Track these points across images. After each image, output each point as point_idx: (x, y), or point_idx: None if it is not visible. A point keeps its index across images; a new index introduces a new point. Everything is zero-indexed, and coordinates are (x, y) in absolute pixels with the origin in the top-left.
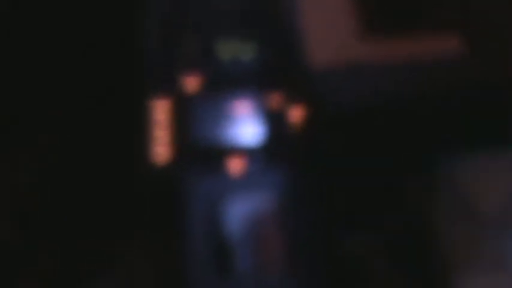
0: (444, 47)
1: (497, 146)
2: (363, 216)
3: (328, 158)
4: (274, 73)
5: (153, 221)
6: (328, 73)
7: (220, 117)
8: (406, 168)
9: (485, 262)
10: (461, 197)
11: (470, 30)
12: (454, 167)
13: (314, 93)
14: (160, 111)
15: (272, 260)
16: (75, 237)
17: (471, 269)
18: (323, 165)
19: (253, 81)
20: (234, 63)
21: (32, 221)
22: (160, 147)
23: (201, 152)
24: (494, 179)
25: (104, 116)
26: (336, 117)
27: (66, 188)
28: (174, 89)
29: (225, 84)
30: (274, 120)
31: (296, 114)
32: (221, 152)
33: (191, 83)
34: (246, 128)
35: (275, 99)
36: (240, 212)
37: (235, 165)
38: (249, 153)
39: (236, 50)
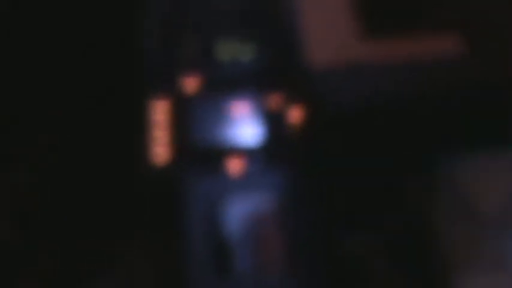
0: (444, 47)
1: (497, 146)
2: (363, 216)
3: (328, 158)
4: (273, 74)
5: (153, 221)
6: (328, 73)
7: (219, 118)
8: (406, 168)
9: (485, 262)
10: (461, 197)
11: (470, 30)
12: (454, 167)
13: (314, 93)
14: (160, 111)
15: (271, 260)
16: (75, 237)
17: (471, 269)
18: (322, 166)
19: (252, 82)
20: (234, 64)
21: (32, 221)
22: (160, 148)
23: (201, 153)
24: (494, 179)
25: (104, 117)
26: (336, 117)
27: (66, 188)
28: (174, 89)
29: (225, 84)
30: (273, 121)
31: (295, 114)
32: (220, 152)
33: (191, 83)
34: (246, 128)
35: (274, 100)
36: (240, 212)
37: (235, 166)
38: (248, 153)
39: (235, 51)
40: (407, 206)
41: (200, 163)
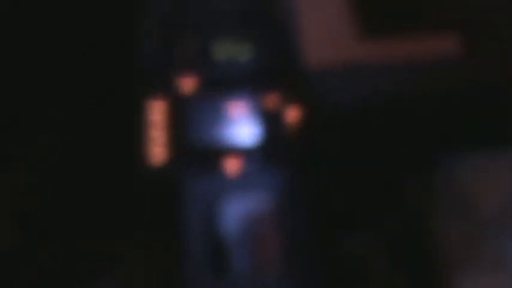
0: (443, 47)
1: (497, 146)
2: (363, 216)
3: (325, 158)
4: (271, 74)
5: (150, 221)
6: (326, 73)
7: (216, 118)
8: (405, 168)
9: (485, 262)
10: (461, 197)
11: (470, 30)
12: (454, 167)
13: (311, 93)
14: (157, 111)
15: (269, 260)
16: (75, 237)
17: (471, 269)
18: (320, 166)
19: (249, 82)
20: (231, 64)
21: (32, 221)
22: (157, 148)
23: (198, 153)
24: (494, 179)
25: (101, 117)
26: (333, 117)
27: (66, 188)
28: (171, 89)
29: (222, 84)
30: (271, 121)
31: (293, 114)
32: (218, 152)
33: (188, 83)
34: (243, 128)
35: (272, 100)
36: (237, 212)
37: (232, 166)
38: (245, 153)
39: (233, 51)
40: (407, 206)
41: (197, 163)
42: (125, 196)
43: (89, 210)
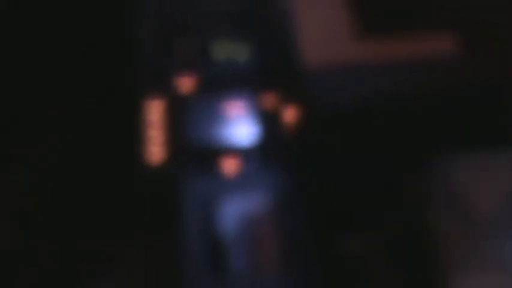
0: (442, 47)
1: (497, 146)
2: (363, 216)
3: (323, 158)
4: (269, 73)
5: (148, 220)
6: (324, 73)
7: (214, 118)
8: (405, 168)
9: (485, 262)
10: (461, 197)
11: (469, 30)
12: (454, 167)
13: (309, 93)
14: (155, 111)
15: (267, 259)
16: (75, 237)
17: (470, 269)
18: (318, 165)
19: (248, 82)
20: (229, 64)
21: (32, 221)
22: (155, 147)
23: (196, 152)
24: (494, 179)
25: (100, 116)
26: (331, 117)
27: (65, 188)
28: (169, 89)
29: (220, 84)
30: (269, 121)
31: (291, 114)
32: (216, 152)
33: (186, 83)
34: (241, 128)
35: (270, 100)
36: (235, 211)
37: (230, 166)
38: (243, 153)
39: (231, 51)
40: (407, 206)
41: (195, 163)
42: (124, 196)
43: (88, 210)
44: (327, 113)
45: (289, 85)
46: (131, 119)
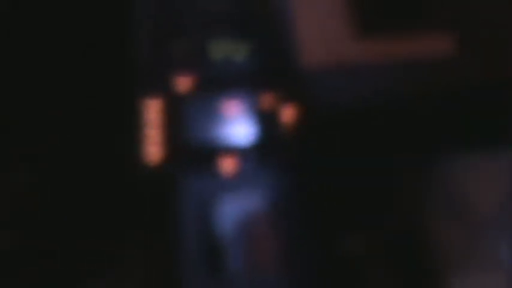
0: (441, 47)
1: (497, 146)
2: (363, 216)
3: (321, 157)
4: (266, 73)
5: (146, 220)
6: (322, 73)
7: (212, 117)
8: (405, 168)
9: (485, 262)
10: (461, 197)
11: (468, 30)
12: (454, 167)
13: (307, 93)
14: (153, 110)
15: (265, 259)
16: (75, 237)
17: (470, 269)
18: (316, 165)
19: (245, 81)
20: (227, 63)
21: (32, 221)
22: (152, 147)
23: (193, 152)
24: (494, 179)
25: (98, 116)
26: (329, 116)
27: (65, 188)
28: (167, 88)
29: (218, 84)
30: (266, 120)
31: (288, 114)
32: (213, 151)
33: (183, 82)
34: (239, 127)
35: (267, 99)
36: (232, 211)
37: (228, 165)
38: (241, 152)
39: (229, 50)
40: (407, 206)
41: (193, 162)
42: (123, 195)
43: (88, 210)
44: (325, 112)
45: (288, 85)
46: (129, 118)
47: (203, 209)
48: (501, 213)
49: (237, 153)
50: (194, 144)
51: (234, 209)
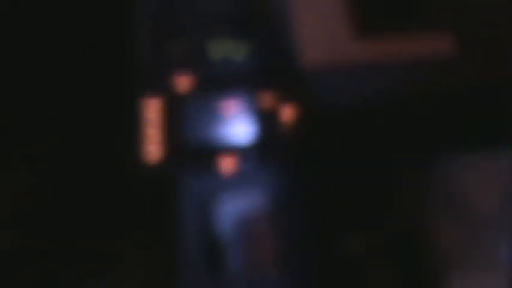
0: (441, 47)
1: (497, 146)
2: (363, 216)
3: (321, 157)
4: (266, 72)
5: (145, 220)
6: (321, 72)
7: (212, 117)
8: (405, 168)
9: (485, 262)
10: (461, 197)
11: (468, 30)
12: (454, 167)
13: (306, 92)
14: (152, 110)
15: (264, 259)
16: (75, 237)
17: (470, 269)
18: (315, 165)
19: (245, 81)
20: (226, 63)
21: (32, 221)
22: (152, 146)
23: (193, 151)
24: (494, 179)
25: (98, 116)
26: (329, 116)
27: (65, 188)
28: (166, 88)
29: (217, 83)
30: (266, 119)
31: (288, 113)
32: (213, 151)
33: (183, 82)
34: (238, 127)
35: (267, 99)
36: (232, 210)
37: (227, 165)
38: (240, 152)
39: (228, 50)
40: (407, 206)
41: (192, 161)
42: (123, 195)
43: (88, 210)
44: (325, 112)
45: (287, 84)
46: (129, 118)
47: (203, 208)
48: (501, 213)
49: (237, 153)
50: (194, 143)
51: (234, 209)
